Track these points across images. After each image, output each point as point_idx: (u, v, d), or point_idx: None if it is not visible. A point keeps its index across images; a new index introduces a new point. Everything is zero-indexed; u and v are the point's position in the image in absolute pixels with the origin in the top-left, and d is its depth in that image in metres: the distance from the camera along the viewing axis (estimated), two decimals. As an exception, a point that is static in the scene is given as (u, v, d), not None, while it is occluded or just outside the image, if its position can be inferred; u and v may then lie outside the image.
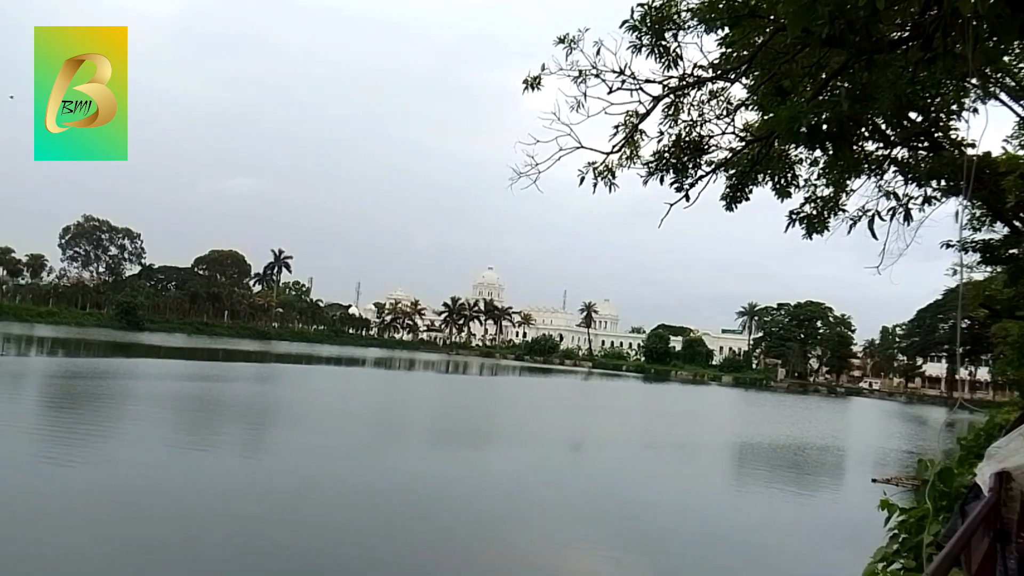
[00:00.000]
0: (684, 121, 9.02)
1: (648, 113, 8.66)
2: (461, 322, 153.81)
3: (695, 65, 8.28)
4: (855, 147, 8.44)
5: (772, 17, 6.95)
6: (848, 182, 9.70)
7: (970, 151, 8.31)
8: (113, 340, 74.77)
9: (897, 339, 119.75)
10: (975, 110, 8.88)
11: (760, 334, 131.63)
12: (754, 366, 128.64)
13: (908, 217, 9.02)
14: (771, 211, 9.63)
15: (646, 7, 7.88)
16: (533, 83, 8.53)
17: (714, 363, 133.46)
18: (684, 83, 8.49)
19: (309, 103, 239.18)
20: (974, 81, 8.06)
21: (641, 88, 8.44)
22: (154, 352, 61.10)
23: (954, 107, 8.92)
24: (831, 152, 6.92)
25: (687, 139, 9.00)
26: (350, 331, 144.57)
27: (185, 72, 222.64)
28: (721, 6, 7.44)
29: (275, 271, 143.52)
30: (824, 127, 5.50)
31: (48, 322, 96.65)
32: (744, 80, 8.43)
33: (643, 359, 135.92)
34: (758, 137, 8.69)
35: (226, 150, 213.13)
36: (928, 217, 9.62)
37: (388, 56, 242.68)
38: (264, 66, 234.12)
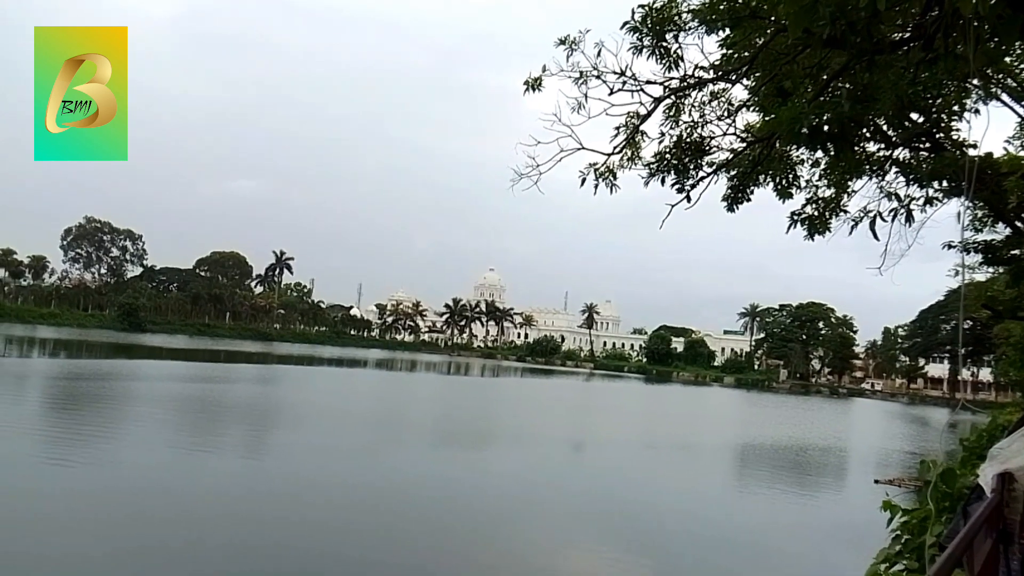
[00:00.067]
0: (685, 122, 9.02)
1: (649, 114, 8.65)
2: (463, 323, 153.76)
3: (696, 66, 8.28)
4: (856, 148, 8.43)
5: (773, 18, 6.94)
6: (849, 183, 9.70)
7: (972, 152, 8.29)
8: (115, 342, 74.84)
9: (899, 340, 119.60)
10: (976, 111, 8.85)
11: (762, 335, 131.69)
12: (756, 367, 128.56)
13: (910, 218, 9.04)
14: (772, 212, 9.64)
15: (647, 8, 7.88)
16: (534, 84, 8.52)
17: (716, 364, 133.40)
18: (685, 84, 8.48)
19: (309, 103, 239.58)
20: (975, 82, 8.05)
21: (642, 89, 8.43)
22: (156, 353, 61.22)
23: (955, 108, 8.91)
24: (832, 153, 6.92)
25: (688, 140, 9.00)
26: (352, 332, 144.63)
27: (185, 72, 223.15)
28: (722, 7, 7.44)
29: (276, 272, 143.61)
30: (825, 128, 5.51)
31: (50, 324, 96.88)
32: (745, 81, 8.44)
33: (645, 360, 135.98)
34: (759, 138, 8.68)
35: (227, 150, 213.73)
36: (930, 218, 9.65)
37: (388, 56, 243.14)
38: (264, 66, 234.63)
